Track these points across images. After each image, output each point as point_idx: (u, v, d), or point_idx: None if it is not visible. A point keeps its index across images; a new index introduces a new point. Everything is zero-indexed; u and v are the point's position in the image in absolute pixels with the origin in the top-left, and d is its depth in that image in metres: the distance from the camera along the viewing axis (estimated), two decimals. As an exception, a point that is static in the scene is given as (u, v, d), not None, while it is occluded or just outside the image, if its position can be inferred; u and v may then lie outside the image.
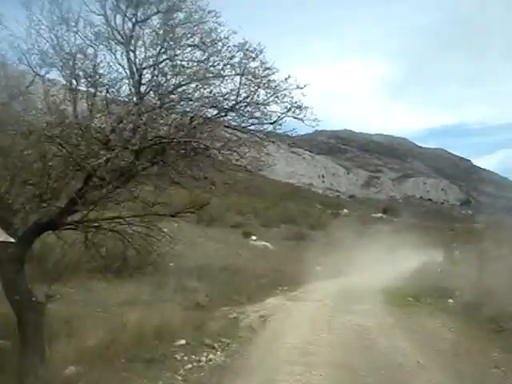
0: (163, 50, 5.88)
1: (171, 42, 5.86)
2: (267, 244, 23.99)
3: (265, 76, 5.95)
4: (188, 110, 6.10)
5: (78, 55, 5.86)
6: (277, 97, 6.03)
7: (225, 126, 6.36)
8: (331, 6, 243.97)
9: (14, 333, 6.18)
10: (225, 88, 6.02)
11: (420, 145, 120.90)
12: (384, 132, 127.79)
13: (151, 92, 5.97)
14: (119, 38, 5.92)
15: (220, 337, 8.89)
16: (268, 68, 5.95)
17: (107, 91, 5.89)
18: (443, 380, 7.24)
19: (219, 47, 5.91)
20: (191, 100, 5.97)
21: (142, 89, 5.95)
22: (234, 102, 6.12)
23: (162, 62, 5.93)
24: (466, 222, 64.44)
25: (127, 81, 5.93)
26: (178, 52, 5.93)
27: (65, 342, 6.73)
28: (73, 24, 5.87)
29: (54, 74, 6.04)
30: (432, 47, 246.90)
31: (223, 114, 6.27)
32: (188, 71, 5.83)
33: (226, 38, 5.88)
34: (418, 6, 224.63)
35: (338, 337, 9.59)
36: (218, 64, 5.96)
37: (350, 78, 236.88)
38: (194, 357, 7.68)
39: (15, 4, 5.90)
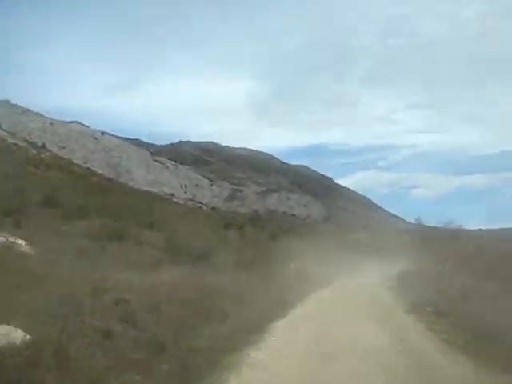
0: None
1: None
2: (21, 242, 10.10)
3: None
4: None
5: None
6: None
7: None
8: (199, 19, 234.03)
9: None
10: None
11: (284, 161, 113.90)
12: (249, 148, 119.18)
13: None
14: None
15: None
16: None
17: None
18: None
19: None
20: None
21: None
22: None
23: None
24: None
25: None
26: None
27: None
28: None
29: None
30: (297, 69, 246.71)
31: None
32: None
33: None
34: (285, 28, 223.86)
35: None
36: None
37: (218, 93, 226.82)
38: None
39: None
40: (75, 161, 68.19)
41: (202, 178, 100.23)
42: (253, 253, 19.71)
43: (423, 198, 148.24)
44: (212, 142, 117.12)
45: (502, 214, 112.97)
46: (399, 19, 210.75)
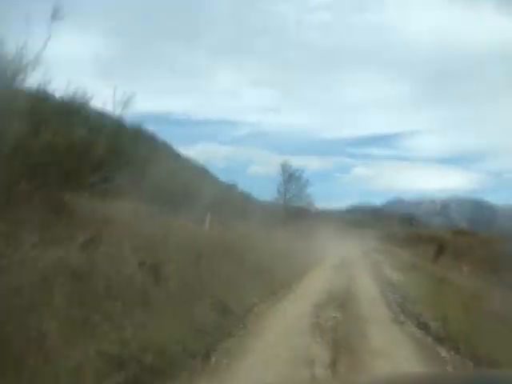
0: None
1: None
2: None
3: None
4: None
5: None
6: None
7: None
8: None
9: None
10: None
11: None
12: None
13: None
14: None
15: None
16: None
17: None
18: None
19: None
20: None
21: None
22: None
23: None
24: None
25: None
26: None
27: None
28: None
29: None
30: (147, 33, 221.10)
31: None
32: None
33: None
34: None
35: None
36: None
37: (61, 46, 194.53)
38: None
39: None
40: None
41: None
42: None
43: (259, 174, 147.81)
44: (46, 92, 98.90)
45: (334, 196, 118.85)
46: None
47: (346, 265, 18.87)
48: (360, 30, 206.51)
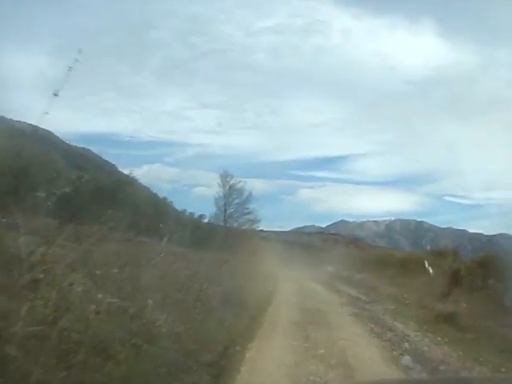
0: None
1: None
2: None
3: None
4: None
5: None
6: None
7: None
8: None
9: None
10: None
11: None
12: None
13: None
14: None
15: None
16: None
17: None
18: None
19: None
20: None
21: None
22: None
23: None
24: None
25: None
26: None
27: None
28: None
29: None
30: (94, 52, 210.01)
31: None
32: None
33: None
34: (86, 8, 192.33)
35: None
36: None
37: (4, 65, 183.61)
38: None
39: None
40: None
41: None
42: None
43: (204, 196, 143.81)
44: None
45: (280, 218, 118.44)
46: (201, 20, 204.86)
47: (316, 316, 11.17)
48: (306, 53, 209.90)
